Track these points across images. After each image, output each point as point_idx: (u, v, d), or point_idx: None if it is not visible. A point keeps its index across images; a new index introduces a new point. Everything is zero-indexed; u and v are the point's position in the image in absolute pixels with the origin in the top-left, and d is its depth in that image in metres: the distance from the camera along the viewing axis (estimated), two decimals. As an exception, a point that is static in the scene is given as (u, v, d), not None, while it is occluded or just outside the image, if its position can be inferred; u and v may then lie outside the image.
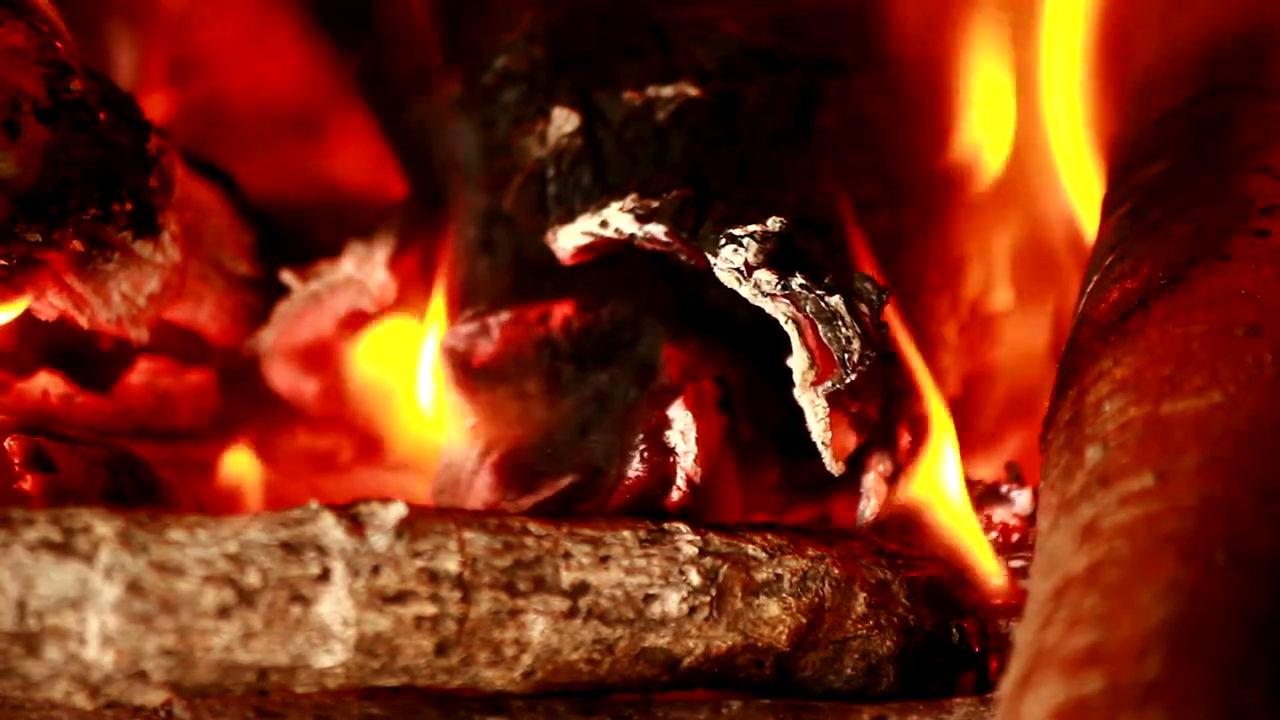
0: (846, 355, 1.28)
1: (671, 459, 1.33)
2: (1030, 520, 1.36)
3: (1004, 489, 1.39)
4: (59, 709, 1.19)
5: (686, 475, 1.32)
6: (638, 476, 1.33)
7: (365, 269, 1.54)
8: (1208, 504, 1.07)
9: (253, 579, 1.09)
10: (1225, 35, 1.54)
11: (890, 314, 1.34)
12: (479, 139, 1.52)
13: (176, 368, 1.54)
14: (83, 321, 1.41)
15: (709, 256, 1.32)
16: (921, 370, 1.38)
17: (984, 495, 1.39)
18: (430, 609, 1.13)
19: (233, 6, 1.75)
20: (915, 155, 1.50)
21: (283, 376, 1.58)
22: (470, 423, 1.46)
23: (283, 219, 1.61)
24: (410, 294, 1.54)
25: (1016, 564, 1.34)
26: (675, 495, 1.32)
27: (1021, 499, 1.38)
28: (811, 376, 1.29)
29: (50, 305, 1.39)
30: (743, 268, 1.30)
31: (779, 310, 1.30)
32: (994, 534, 1.36)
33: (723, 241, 1.31)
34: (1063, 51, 1.53)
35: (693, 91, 1.44)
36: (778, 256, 1.31)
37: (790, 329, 1.29)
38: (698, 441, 1.33)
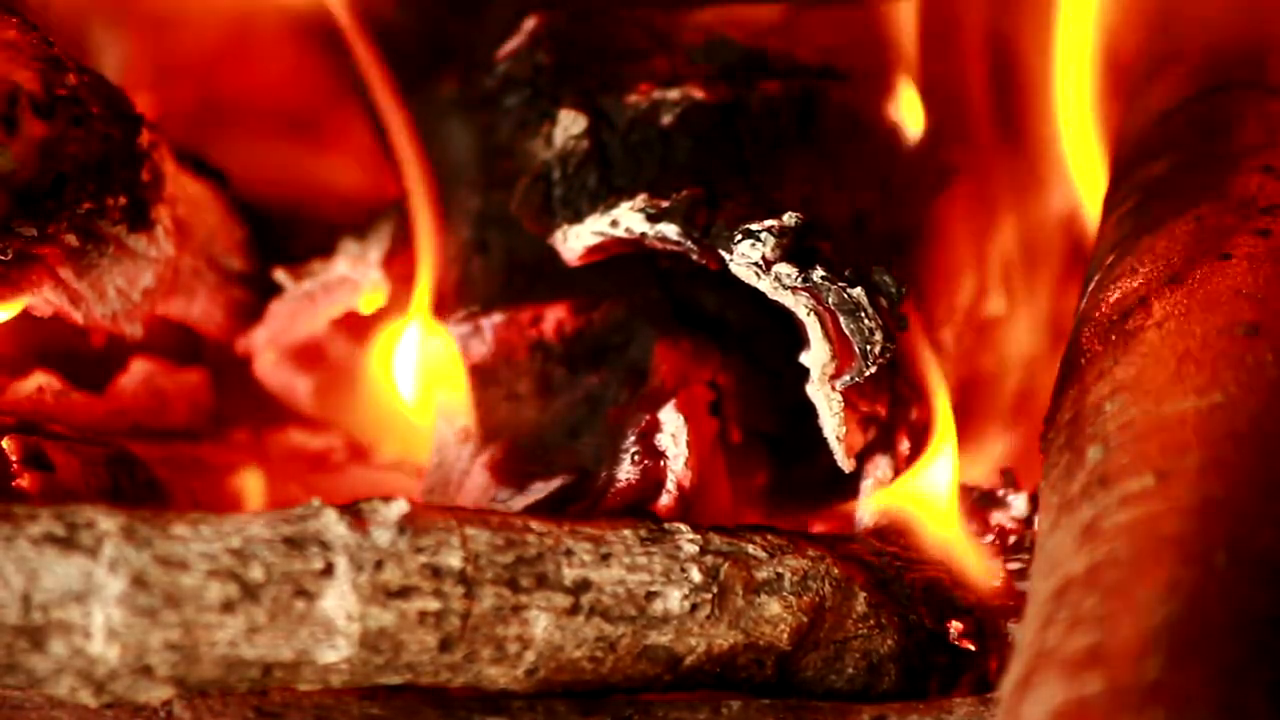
0: (869, 347, 1.28)
1: (662, 462, 1.33)
2: (1027, 524, 1.36)
3: (1000, 493, 1.39)
4: (60, 708, 1.18)
5: (677, 478, 1.32)
6: (629, 479, 1.33)
7: (359, 268, 1.54)
8: (1208, 504, 1.07)
9: (256, 573, 1.08)
10: (1226, 34, 1.54)
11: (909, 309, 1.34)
12: (477, 141, 1.52)
13: (171, 367, 1.54)
14: (78, 317, 1.40)
15: (723, 254, 1.32)
16: (935, 373, 1.38)
17: (980, 500, 1.39)
18: (434, 604, 1.12)
19: (222, 8, 1.74)
20: (914, 159, 1.51)
21: (276, 375, 1.57)
22: (461, 423, 1.46)
23: (277, 217, 1.60)
24: (404, 294, 1.54)
25: (1015, 566, 1.34)
26: (666, 499, 1.32)
27: (1018, 503, 1.38)
28: (831, 370, 1.28)
29: (46, 301, 1.38)
30: (761, 262, 1.30)
31: (799, 303, 1.29)
32: (991, 537, 1.37)
33: (739, 237, 1.31)
34: (1066, 50, 1.54)
35: (698, 95, 1.44)
36: (794, 251, 1.31)
37: (811, 321, 1.29)
38: (689, 445, 1.34)
